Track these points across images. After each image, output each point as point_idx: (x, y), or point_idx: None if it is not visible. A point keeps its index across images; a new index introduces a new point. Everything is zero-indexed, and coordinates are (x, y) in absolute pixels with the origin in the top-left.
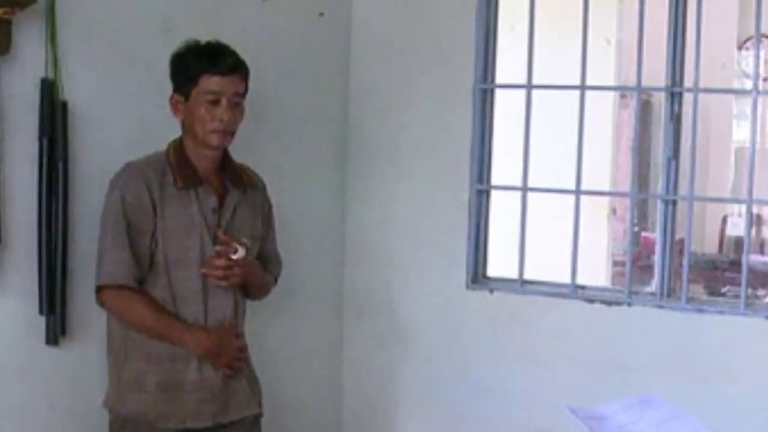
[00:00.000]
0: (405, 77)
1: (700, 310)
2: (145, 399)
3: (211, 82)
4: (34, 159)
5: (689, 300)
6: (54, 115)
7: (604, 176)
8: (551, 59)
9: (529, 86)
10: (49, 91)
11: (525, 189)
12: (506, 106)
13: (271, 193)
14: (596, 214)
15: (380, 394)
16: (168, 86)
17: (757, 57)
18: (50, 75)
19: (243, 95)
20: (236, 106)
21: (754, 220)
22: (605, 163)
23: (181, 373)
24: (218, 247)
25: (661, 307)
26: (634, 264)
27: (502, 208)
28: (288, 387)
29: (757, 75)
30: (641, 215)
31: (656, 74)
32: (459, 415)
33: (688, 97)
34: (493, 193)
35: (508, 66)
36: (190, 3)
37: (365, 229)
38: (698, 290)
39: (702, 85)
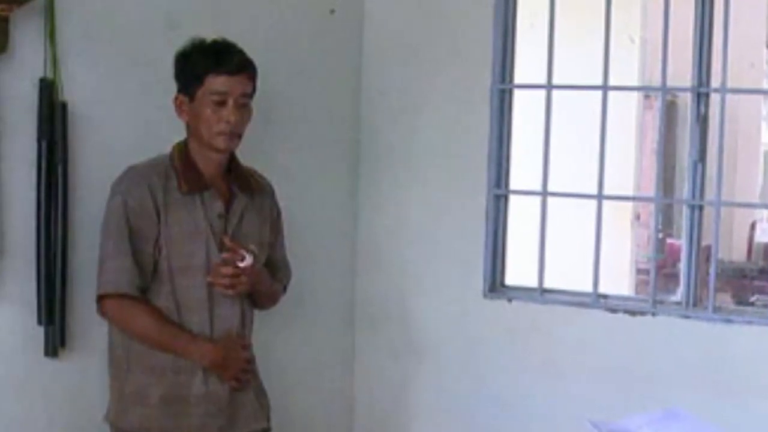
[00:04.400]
0: (420, 77)
1: (728, 320)
2: (148, 413)
3: (217, 82)
4: (33, 162)
5: (716, 309)
6: (53, 117)
7: (627, 180)
8: (572, 58)
9: (549, 86)
10: (48, 91)
11: (545, 194)
12: (525, 108)
13: (279, 198)
14: (619, 219)
15: (393, 408)
16: (172, 86)
17: None
18: (49, 75)
19: (250, 96)
20: (243, 107)
21: None
22: (628, 166)
23: (185, 386)
24: (225, 255)
25: (686, 317)
26: (659, 272)
27: (520, 214)
28: (297, 400)
29: None
30: (666, 221)
31: (682, 74)
32: (476, 430)
33: (715, 98)
34: (512, 198)
35: (528, 65)
36: None
37: (378, 235)
38: (726, 299)
39: (730, 85)
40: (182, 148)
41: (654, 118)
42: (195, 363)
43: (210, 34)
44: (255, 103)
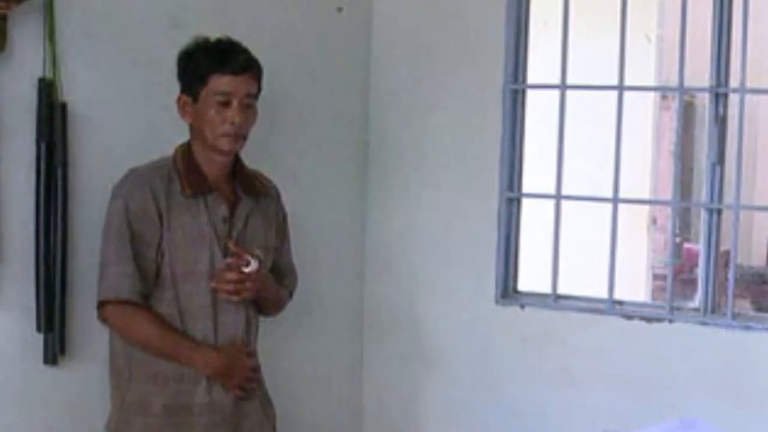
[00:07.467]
0: (430, 77)
1: (747, 327)
2: (150, 423)
3: (221, 82)
4: (32, 164)
5: (735, 316)
6: (53, 118)
7: (643, 183)
8: (587, 58)
9: (563, 86)
10: (47, 91)
11: (558, 197)
12: (539, 108)
13: (285, 201)
14: (635, 224)
15: (403, 418)
16: (175, 86)
17: None
18: (48, 74)
19: (256, 96)
20: (248, 107)
21: None
22: (645, 169)
23: (189, 395)
24: (229, 260)
25: (704, 323)
26: (676, 278)
27: (534, 218)
28: (304, 410)
29: None
30: (683, 225)
31: (700, 73)
32: None
33: (733, 98)
34: (525, 202)
35: (541, 65)
36: None
37: (387, 240)
38: (745, 306)
39: (749, 85)
40: (185, 150)
41: (671, 119)
42: (198, 371)
43: (214, 33)
44: (260, 104)
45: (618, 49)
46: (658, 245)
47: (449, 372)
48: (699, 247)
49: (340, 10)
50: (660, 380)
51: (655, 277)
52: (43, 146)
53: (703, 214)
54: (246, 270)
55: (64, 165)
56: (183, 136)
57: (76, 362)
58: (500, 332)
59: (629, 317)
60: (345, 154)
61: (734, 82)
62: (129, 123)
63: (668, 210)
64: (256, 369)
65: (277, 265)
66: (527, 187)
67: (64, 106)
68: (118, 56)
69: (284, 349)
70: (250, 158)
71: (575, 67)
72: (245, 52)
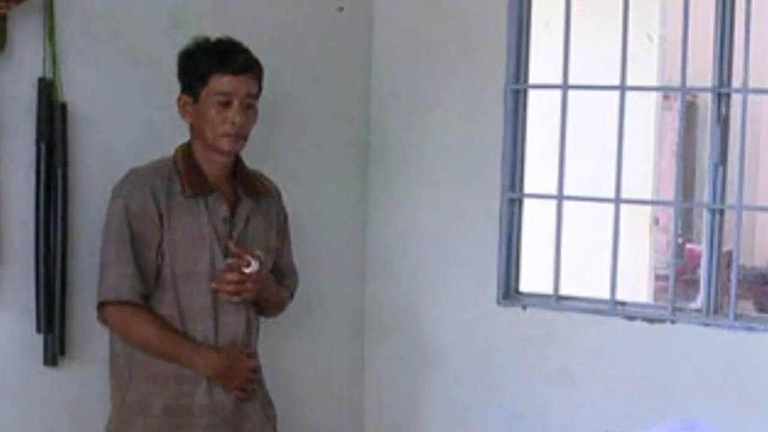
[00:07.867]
0: (431, 77)
1: (750, 328)
2: (150, 424)
3: (221, 82)
4: (31, 165)
5: (738, 317)
6: (53, 118)
7: (645, 184)
8: (589, 57)
9: (565, 86)
10: (47, 91)
11: (560, 197)
12: (540, 108)
13: (286, 202)
14: (637, 224)
15: (404, 419)
16: (175, 86)
17: None
18: (48, 74)
19: (256, 96)
20: (249, 107)
21: None
22: (647, 169)
23: (189, 396)
24: (230, 260)
25: (707, 324)
26: (678, 278)
27: (535, 218)
28: (305, 411)
29: None
30: (686, 226)
31: (702, 73)
32: None
33: (736, 98)
34: (526, 202)
35: (543, 65)
36: None
37: (388, 240)
38: (747, 306)
39: (751, 85)
40: (186, 151)
41: (673, 119)
42: (199, 372)
43: (214, 33)
44: (261, 104)
45: (620, 48)
46: (660, 246)
47: (450, 373)
48: (701, 247)
49: (340, 9)
50: (662, 381)
51: (657, 277)
52: (43, 146)
53: (706, 215)
54: (246, 271)
55: (64, 165)
56: (183, 136)
57: (76, 363)
58: (502, 333)
59: (631, 318)
60: (346, 154)
61: (737, 82)
62: (129, 123)
63: (670, 210)
64: (256, 370)
65: (277, 266)
66: (529, 187)
67: (64, 106)
68: (118, 56)
69: (285, 350)
70: (250, 158)
71: (577, 67)
72: (246, 52)
